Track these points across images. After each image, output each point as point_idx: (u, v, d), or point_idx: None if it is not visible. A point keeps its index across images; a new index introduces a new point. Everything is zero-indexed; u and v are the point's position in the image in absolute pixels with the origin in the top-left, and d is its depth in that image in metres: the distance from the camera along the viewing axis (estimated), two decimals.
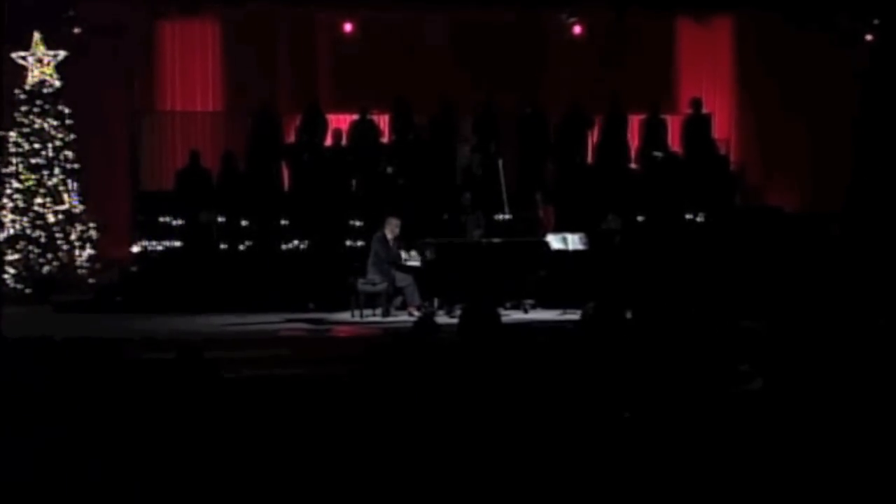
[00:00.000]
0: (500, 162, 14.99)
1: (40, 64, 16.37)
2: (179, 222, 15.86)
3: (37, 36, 16.28)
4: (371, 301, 14.12)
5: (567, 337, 7.19)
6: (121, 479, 5.16)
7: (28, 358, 6.79)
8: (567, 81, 18.34)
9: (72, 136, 16.55)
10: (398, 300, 14.22)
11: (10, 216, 16.14)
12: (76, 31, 17.05)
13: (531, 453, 5.29)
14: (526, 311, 14.06)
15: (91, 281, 16.22)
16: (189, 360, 6.56)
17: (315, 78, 18.67)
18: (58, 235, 16.18)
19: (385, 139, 17.18)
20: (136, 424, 5.61)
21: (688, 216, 16.42)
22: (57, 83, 16.45)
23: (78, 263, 16.31)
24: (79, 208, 16.46)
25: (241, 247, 15.81)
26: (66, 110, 16.53)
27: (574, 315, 11.19)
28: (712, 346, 6.50)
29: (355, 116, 17.07)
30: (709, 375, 6.17)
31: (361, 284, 14.00)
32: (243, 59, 18.27)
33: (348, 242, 15.76)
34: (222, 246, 15.73)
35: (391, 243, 14.17)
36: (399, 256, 14.15)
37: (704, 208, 16.44)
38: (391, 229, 14.18)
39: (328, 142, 16.77)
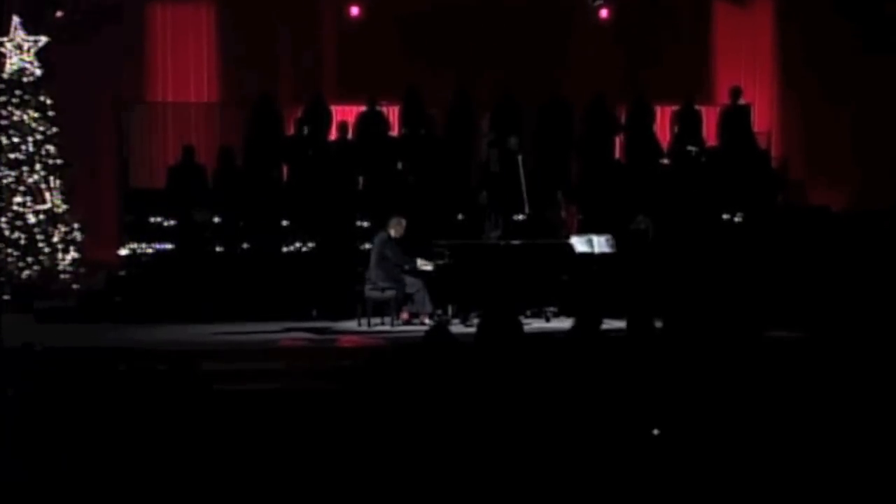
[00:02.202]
0: (520, 158, 14.99)
1: (19, 50, 16.38)
2: (171, 223, 15.87)
3: (16, 20, 16.30)
4: (379, 309, 14.10)
5: (597, 348, 7.19)
6: (108, 494, 5.20)
7: (8, 370, 6.83)
8: (593, 70, 18.35)
9: (54, 130, 16.56)
10: (411, 306, 14.19)
11: None
12: (58, 14, 17.11)
13: (553, 472, 5.30)
14: (548, 320, 14.06)
15: (75, 287, 16.24)
16: (181, 372, 6.61)
17: (319, 66, 18.72)
18: (39, 237, 16.21)
19: (395, 133, 17.20)
20: (124, 441, 5.64)
21: (725, 216, 16.40)
22: (38, 71, 16.46)
23: (61, 268, 16.33)
24: (62, 208, 16.50)
25: (239, 249, 15.84)
26: (48, 101, 16.54)
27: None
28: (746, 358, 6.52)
29: (363, 108, 17.08)
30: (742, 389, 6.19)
31: (369, 290, 13.96)
32: (240, 46, 18.33)
33: (355, 244, 15.77)
34: (218, 248, 15.76)
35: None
36: (407, 259, 14.10)
37: (743, 208, 16.42)
38: (396, 229, 14.12)
39: (333, 136, 16.78)
